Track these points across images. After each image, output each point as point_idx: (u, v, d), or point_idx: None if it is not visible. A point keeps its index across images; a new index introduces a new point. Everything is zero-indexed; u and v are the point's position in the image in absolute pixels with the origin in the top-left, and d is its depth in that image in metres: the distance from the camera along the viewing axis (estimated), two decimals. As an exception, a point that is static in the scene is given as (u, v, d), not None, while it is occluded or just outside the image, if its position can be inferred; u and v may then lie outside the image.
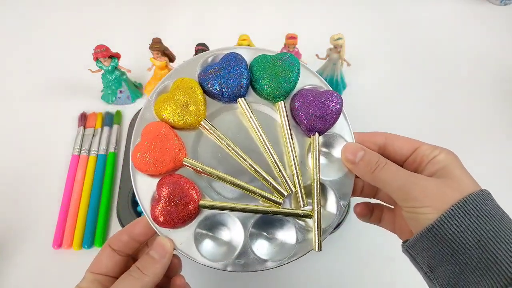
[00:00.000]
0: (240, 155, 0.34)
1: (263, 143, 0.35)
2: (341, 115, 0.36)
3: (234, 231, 0.34)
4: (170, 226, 0.32)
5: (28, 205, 0.55)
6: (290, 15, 0.78)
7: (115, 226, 0.53)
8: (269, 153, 0.35)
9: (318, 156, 0.35)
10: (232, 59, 0.35)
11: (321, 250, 0.33)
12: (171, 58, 0.60)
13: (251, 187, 0.33)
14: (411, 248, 0.30)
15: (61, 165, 0.58)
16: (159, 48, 0.57)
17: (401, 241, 0.35)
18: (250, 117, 0.35)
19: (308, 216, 0.34)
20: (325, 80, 0.63)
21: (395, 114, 0.64)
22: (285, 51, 0.59)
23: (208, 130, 0.35)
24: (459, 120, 0.64)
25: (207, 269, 0.32)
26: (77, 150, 0.58)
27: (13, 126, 0.63)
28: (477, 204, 0.27)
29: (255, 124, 0.35)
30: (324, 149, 0.36)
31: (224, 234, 0.34)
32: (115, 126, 0.61)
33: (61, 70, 0.69)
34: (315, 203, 0.33)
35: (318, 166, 0.34)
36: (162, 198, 0.32)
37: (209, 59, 0.37)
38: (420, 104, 0.65)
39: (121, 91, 0.62)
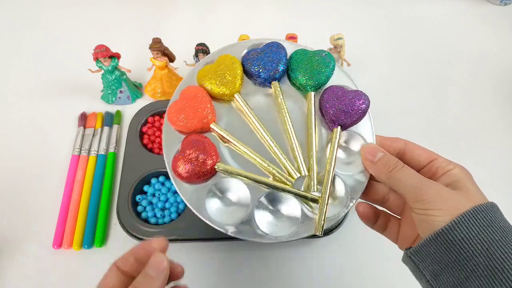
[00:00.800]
0: (262, 132, 0.37)
1: (288, 125, 0.37)
2: (367, 116, 0.38)
3: (242, 199, 0.36)
4: (186, 179, 0.35)
5: (28, 205, 0.55)
6: (290, 15, 0.78)
7: (115, 227, 0.53)
8: (291, 136, 0.37)
9: (337, 148, 0.36)
10: (274, 46, 0.40)
11: (321, 235, 0.34)
12: (171, 58, 0.60)
13: (267, 162, 0.36)
14: (416, 254, 0.31)
15: (61, 165, 0.58)
16: (159, 48, 0.57)
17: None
18: (281, 99, 0.38)
19: (315, 200, 0.35)
20: (325, 80, 0.63)
21: (395, 114, 0.64)
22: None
23: (239, 103, 0.38)
24: (459, 119, 0.64)
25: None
26: (77, 150, 0.58)
27: (13, 126, 0.63)
28: (487, 214, 0.28)
29: (284, 106, 0.38)
30: (343, 144, 0.38)
31: (233, 201, 0.36)
32: (115, 126, 0.61)
33: (61, 70, 0.69)
34: (325, 190, 0.35)
35: (334, 158, 0.36)
36: (184, 151, 0.35)
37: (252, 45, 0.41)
38: (420, 104, 0.65)
39: (121, 91, 0.62)
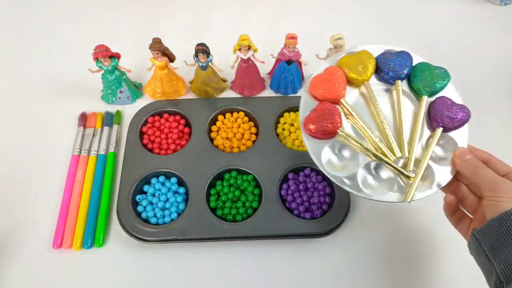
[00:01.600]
0: (380, 115, 0.46)
1: (401, 116, 0.46)
2: (465, 126, 0.47)
3: (351, 160, 0.45)
4: (312, 133, 0.45)
5: (28, 205, 0.55)
6: (290, 15, 0.78)
7: (115, 226, 0.53)
8: (402, 125, 0.46)
9: (435, 144, 0.45)
10: (405, 54, 0.49)
11: (410, 202, 0.43)
12: (171, 58, 0.60)
13: (378, 138, 0.45)
14: (480, 233, 0.37)
15: (61, 165, 0.58)
16: (159, 48, 0.57)
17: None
18: (401, 94, 0.48)
19: (408, 177, 0.44)
20: (325, 80, 0.64)
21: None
22: (285, 50, 0.59)
23: (367, 89, 0.48)
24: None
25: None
26: (77, 150, 0.58)
27: (13, 126, 0.63)
28: None
29: (400, 101, 0.47)
30: (441, 143, 0.46)
31: (345, 158, 0.46)
32: (115, 126, 0.61)
33: (62, 70, 0.69)
34: (419, 171, 0.44)
35: (432, 150, 0.45)
36: (316, 111, 0.46)
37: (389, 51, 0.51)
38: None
39: (121, 91, 0.62)
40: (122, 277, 0.51)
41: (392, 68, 0.48)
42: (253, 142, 0.59)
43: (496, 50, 0.73)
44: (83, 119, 0.62)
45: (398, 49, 0.50)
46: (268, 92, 0.66)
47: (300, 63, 0.63)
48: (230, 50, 0.59)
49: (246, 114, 0.62)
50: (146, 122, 0.60)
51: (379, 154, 0.44)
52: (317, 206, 0.53)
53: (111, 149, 0.59)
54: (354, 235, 0.53)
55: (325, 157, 0.45)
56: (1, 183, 0.57)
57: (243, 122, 0.61)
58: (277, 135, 0.60)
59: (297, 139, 0.59)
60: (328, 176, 0.44)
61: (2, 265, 0.50)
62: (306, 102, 0.48)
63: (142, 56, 0.63)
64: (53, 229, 0.52)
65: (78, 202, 0.54)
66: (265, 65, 0.62)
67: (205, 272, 0.51)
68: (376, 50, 0.50)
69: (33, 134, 0.62)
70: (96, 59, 0.58)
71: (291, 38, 0.57)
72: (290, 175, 0.55)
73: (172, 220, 0.52)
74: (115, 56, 0.59)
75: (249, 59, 0.60)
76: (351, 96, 0.49)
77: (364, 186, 0.44)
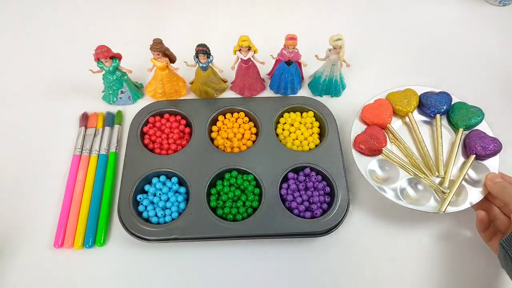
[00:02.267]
0: (421, 141, 0.56)
1: (440, 144, 0.56)
2: (497, 156, 0.55)
3: (393, 174, 0.54)
4: (361, 150, 0.55)
5: (29, 204, 0.55)
6: (289, 15, 0.79)
7: (116, 226, 0.54)
8: (440, 151, 0.55)
9: (468, 168, 0.54)
10: (445, 93, 0.60)
11: (444, 213, 0.50)
12: (172, 59, 0.61)
13: (419, 160, 0.55)
14: (506, 241, 0.43)
15: (63, 165, 0.58)
16: (159, 48, 0.57)
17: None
18: (440, 126, 0.58)
19: (444, 193, 0.52)
20: (325, 80, 0.64)
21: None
22: (284, 51, 0.59)
23: (410, 119, 0.59)
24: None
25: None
26: (79, 150, 0.59)
27: (15, 126, 0.63)
28: None
29: (440, 132, 0.57)
30: (474, 167, 0.54)
31: (387, 172, 0.55)
32: (116, 126, 0.62)
33: (62, 70, 0.70)
34: (453, 189, 0.52)
35: (466, 172, 0.53)
36: (366, 132, 0.56)
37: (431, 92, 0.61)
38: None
39: (122, 92, 0.63)
40: (123, 276, 0.51)
41: (433, 104, 0.58)
42: (253, 142, 0.60)
43: (495, 51, 0.73)
44: (85, 119, 0.62)
45: (439, 90, 0.60)
46: (268, 93, 0.67)
47: (299, 63, 0.63)
48: (230, 50, 0.59)
49: (246, 114, 0.62)
50: (147, 122, 0.61)
51: (418, 173, 0.53)
52: (317, 205, 0.53)
53: (112, 149, 0.59)
54: (354, 234, 0.53)
55: (372, 170, 0.54)
56: (2, 183, 0.57)
57: (244, 122, 0.61)
58: (277, 135, 0.60)
59: (297, 139, 0.59)
60: (373, 186, 0.52)
61: (4, 264, 0.51)
62: (356, 125, 0.58)
63: (143, 56, 0.63)
64: (54, 228, 0.52)
65: (79, 202, 0.54)
66: (265, 66, 0.62)
67: (205, 271, 0.51)
68: (420, 90, 0.61)
69: (34, 134, 0.62)
70: (97, 59, 0.58)
71: (291, 38, 0.57)
72: (290, 175, 0.56)
73: (172, 219, 0.52)
74: (116, 57, 0.59)
75: (249, 59, 0.60)
76: (396, 124, 0.59)
77: (402, 197, 0.52)
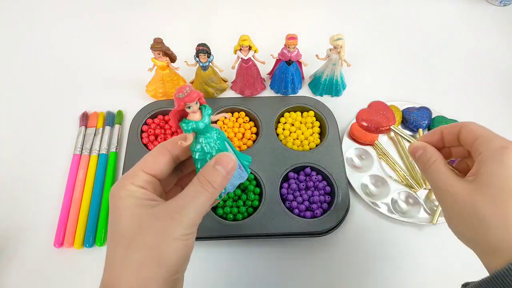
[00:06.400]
0: (407, 157, 0.59)
1: None
2: None
3: (385, 189, 0.56)
4: (363, 126, 0.47)
5: (29, 204, 0.55)
6: (290, 15, 0.79)
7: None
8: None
9: None
10: (425, 109, 0.62)
11: (435, 224, 0.52)
12: (172, 58, 0.61)
13: (407, 173, 0.57)
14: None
15: (63, 164, 0.58)
16: (160, 48, 0.57)
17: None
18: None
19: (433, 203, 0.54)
20: (325, 80, 0.64)
21: (395, 114, 0.64)
22: (285, 51, 0.59)
23: (395, 134, 0.58)
24: (459, 119, 0.64)
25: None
26: (79, 149, 0.58)
27: (15, 125, 0.63)
28: None
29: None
30: None
31: (380, 187, 0.57)
32: (116, 126, 0.62)
33: (63, 69, 0.70)
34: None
35: None
36: (371, 106, 0.48)
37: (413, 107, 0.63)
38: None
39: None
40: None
41: (415, 119, 0.61)
42: (254, 142, 0.59)
43: (495, 50, 0.73)
44: (85, 118, 0.62)
45: (419, 106, 0.63)
46: (268, 92, 0.67)
47: (300, 63, 0.63)
48: (231, 50, 0.59)
49: (247, 114, 0.62)
50: (147, 122, 0.61)
51: (407, 182, 0.55)
52: (318, 205, 0.53)
53: (113, 149, 0.59)
54: (354, 234, 0.53)
55: (363, 186, 0.56)
56: (2, 182, 0.57)
57: (244, 122, 0.61)
58: (278, 134, 0.60)
59: (297, 138, 0.59)
60: (367, 202, 0.54)
61: (4, 264, 0.50)
62: (347, 137, 0.60)
63: (144, 56, 0.63)
64: (54, 228, 0.52)
65: (79, 201, 0.54)
66: (265, 65, 0.62)
67: (205, 270, 0.51)
68: (403, 105, 0.63)
69: (34, 133, 0.62)
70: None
71: (291, 38, 0.57)
72: (291, 174, 0.56)
73: (173, 219, 0.52)
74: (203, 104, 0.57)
75: (249, 59, 0.60)
76: (382, 140, 0.61)
77: (395, 210, 0.54)
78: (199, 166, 0.32)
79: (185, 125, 0.31)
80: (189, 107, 0.30)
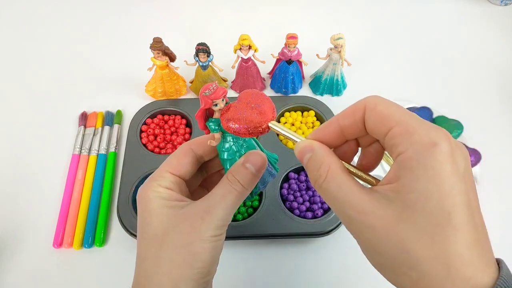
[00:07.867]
0: None
1: None
2: (477, 166, 0.56)
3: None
4: (231, 129, 0.29)
5: (28, 204, 0.55)
6: (290, 14, 0.78)
7: (115, 226, 0.53)
8: None
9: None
10: (427, 109, 0.60)
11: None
12: (172, 58, 0.60)
13: None
14: None
15: (62, 164, 0.58)
16: (160, 47, 0.57)
17: None
18: None
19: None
20: (326, 80, 0.64)
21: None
22: (285, 50, 0.59)
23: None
24: (459, 119, 0.63)
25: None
26: (78, 149, 0.58)
27: (13, 125, 0.63)
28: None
29: None
30: None
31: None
32: (115, 126, 0.61)
33: (62, 69, 0.69)
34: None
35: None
36: (240, 100, 0.29)
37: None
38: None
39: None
40: (123, 277, 0.50)
41: None
42: (254, 141, 0.59)
43: (496, 50, 0.73)
44: (84, 118, 0.62)
45: (420, 106, 0.61)
46: (268, 92, 0.66)
47: (300, 62, 0.63)
48: (231, 49, 0.59)
49: (247, 114, 0.62)
50: (146, 121, 0.60)
51: None
52: (318, 205, 0.53)
53: (112, 149, 0.59)
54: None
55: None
56: (1, 182, 0.57)
57: (244, 122, 0.61)
58: (278, 134, 0.60)
59: (298, 138, 0.59)
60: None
61: (2, 264, 0.50)
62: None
63: (144, 56, 0.63)
64: (53, 228, 0.52)
65: (78, 202, 0.54)
66: (265, 65, 0.62)
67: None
68: (403, 105, 0.59)
69: (33, 133, 0.62)
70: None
71: (292, 37, 0.57)
72: (291, 175, 0.55)
73: (172, 219, 0.52)
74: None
75: (249, 58, 0.60)
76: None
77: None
78: (228, 166, 0.31)
79: (212, 124, 0.29)
80: (215, 105, 0.29)
